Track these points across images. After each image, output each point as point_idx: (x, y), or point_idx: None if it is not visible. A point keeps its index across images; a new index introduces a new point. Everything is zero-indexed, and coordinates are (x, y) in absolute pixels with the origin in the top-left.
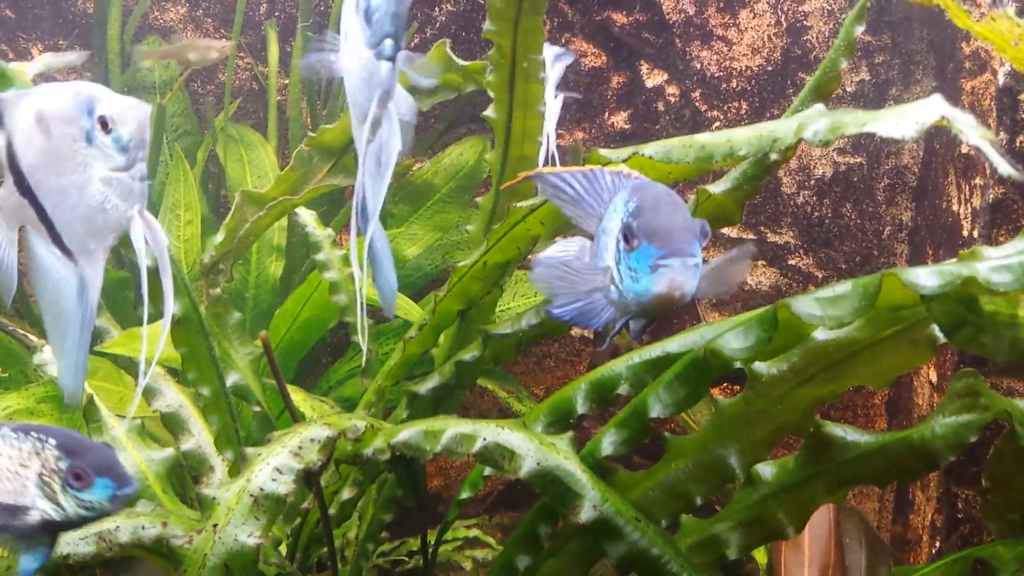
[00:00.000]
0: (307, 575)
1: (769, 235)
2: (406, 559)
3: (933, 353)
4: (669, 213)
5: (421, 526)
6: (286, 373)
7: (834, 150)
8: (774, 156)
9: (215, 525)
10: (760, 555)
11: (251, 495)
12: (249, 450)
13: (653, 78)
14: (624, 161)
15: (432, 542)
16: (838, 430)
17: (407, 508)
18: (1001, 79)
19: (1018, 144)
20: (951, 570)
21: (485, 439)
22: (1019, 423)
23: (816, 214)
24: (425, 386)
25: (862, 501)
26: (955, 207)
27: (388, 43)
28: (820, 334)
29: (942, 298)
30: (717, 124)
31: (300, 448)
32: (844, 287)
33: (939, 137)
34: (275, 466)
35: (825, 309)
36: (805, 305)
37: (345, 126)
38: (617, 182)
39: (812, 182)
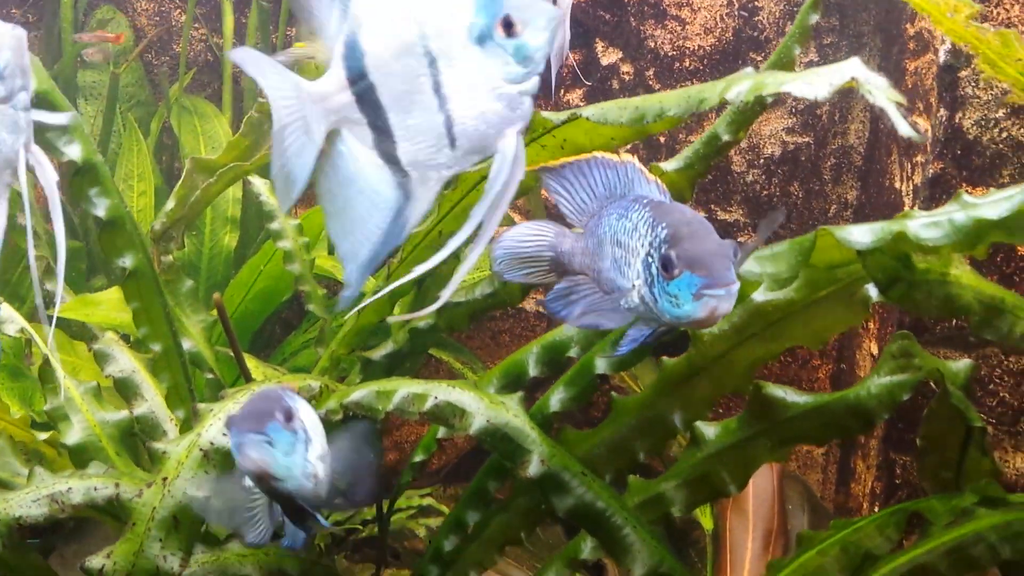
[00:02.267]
0: None
1: (719, 213)
2: (360, 527)
3: (867, 312)
4: (705, 239)
5: (378, 491)
6: (241, 344)
7: (783, 129)
8: (725, 137)
9: (164, 479)
10: (706, 521)
11: (201, 449)
12: (201, 406)
13: (608, 56)
14: (565, 123)
15: (387, 510)
16: (778, 391)
17: None
18: (942, 57)
19: (957, 121)
20: (888, 521)
21: (436, 398)
22: (951, 382)
23: (765, 192)
24: (379, 353)
25: (806, 472)
26: (898, 184)
27: (536, 79)
28: (759, 295)
29: (877, 254)
30: None
31: None
32: (781, 246)
33: (885, 117)
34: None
35: (764, 266)
36: (745, 264)
37: None
38: (617, 180)
39: (761, 161)
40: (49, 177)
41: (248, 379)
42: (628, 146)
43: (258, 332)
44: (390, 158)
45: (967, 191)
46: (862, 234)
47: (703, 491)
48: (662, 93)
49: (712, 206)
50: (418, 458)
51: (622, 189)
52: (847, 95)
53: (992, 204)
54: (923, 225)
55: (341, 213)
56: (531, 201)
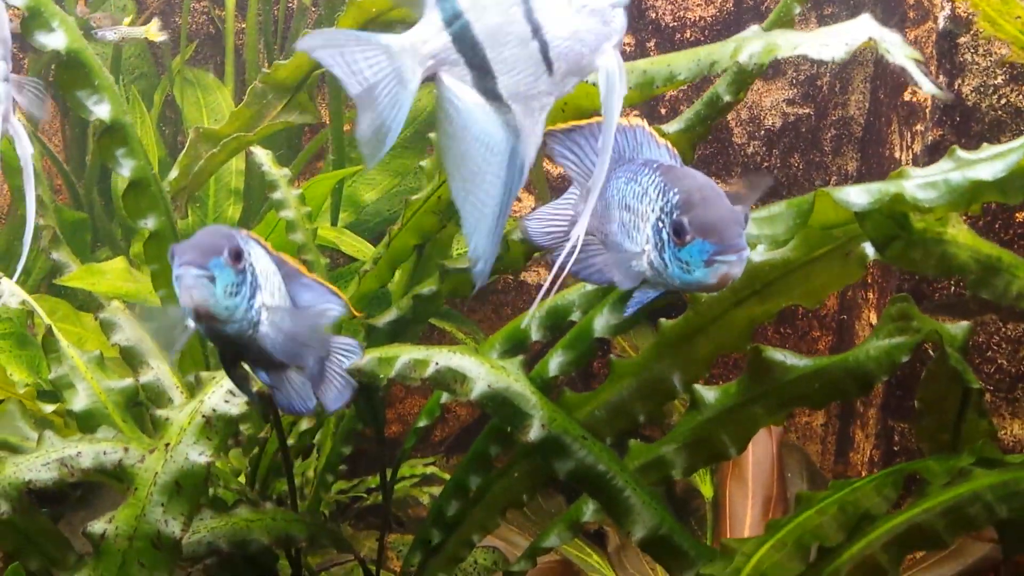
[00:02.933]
0: (267, 501)
1: (720, 186)
2: (365, 495)
3: (863, 270)
4: (717, 206)
5: (379, 459)
6: None
7: (783, 100)
8: (726, 98)
9: (167, 444)
10: (706, 489)
11: (203, 415)
12: (204, 374)
13: None
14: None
15: (391, 478)
16: (778, 354)
17: (365, 449)
18: (941, 23)
19: (956, 87)
20: (885, 481)
21: (438, 363)
22: (949, 344)
23: (765, 164)
24: (383, 320)
25: (805, 444)
26: (897, 154)
27: None
28: (757, 255)
29: (875, 214)
30: None
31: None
32: (779, 207)
33: (884, 87)
34: (228, 388)
35: (762, 228)
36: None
37: (300, 62)
38: (625, 144)
39: (762, 132)
40: (25, 149)
41: None
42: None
43: None
44: (492, 95)
45: (939, 141)
46: (859, 195)
47: (703, 454)
48: (670, 55)
49: (713, 178)
50: (422, 423)
51: (631, 153)
52: (848, 65)
53: (987, 163)
54: (919, 186)
55: (461, 166)
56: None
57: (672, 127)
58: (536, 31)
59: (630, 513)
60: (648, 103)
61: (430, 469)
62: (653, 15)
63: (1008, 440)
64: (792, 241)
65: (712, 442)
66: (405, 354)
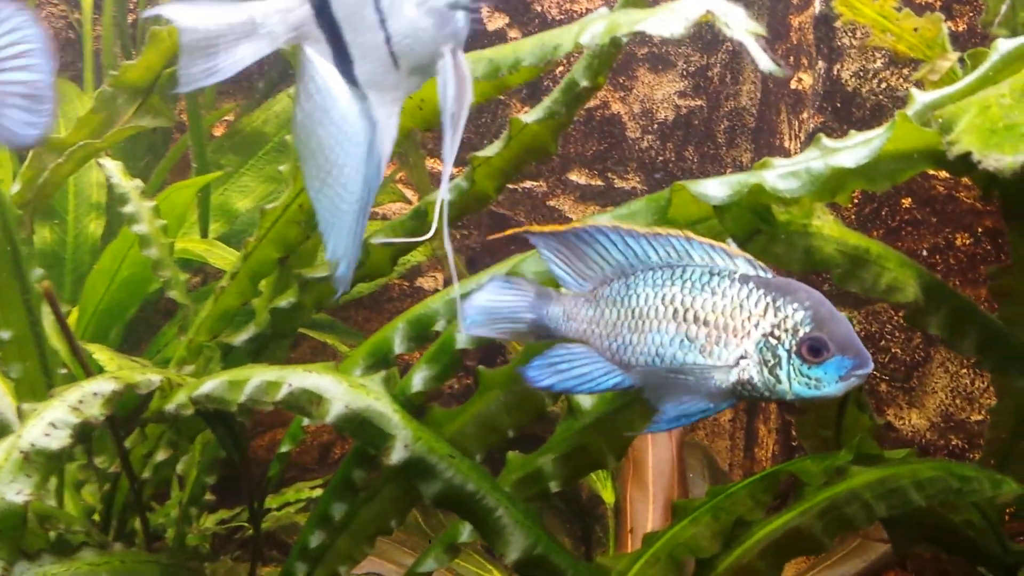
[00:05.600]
0: (119, 542)
1: (616, 181)
2: (246, 525)
3: None
4: (841, 318)
5: (246, 487)
6: (109, 337)
7: (675, 93)
8: (583, 83)
9: None
10: (608, 495)
11: (21, 451)
12: (25, 406)
13: (494, 22)
14: None
15: (274, 505)
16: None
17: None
18: (817, 6)
19: (836, 72)
20: (759, 486)
21: (291, 385)
22: None
23: (660, 158)
24: (240, 337)
25: (714, 440)
26: (787, 144)
27: None
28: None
29: (734, 208)
30: (560, 68)
31: (81, 402)
32: (639, 203)
33: (773, 77)
34: (50, 420)
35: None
36: (602, 223)
37: (150, 63)
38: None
39: (655, 126)
40: None
41: (86, 369)
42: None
43: (133, 321)
44: (352, 80)
45: (826, 135)
46: (718, 188)
47: (581, 463)
48: (516, 42)
49: (609, 174)
50: (284, 449)
51: (667, 261)
52: (738, 55)
53: (850, 151)
54: (781, 176)
55: (317, 153)
56: (411, 156)
57: (531, 116)
58: (382, 22)
59: (503, 534)
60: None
61: (316, 492)
62: (539, 8)
63: (907, 431)
64: None
65: (590, 451)
66: (256, 376)
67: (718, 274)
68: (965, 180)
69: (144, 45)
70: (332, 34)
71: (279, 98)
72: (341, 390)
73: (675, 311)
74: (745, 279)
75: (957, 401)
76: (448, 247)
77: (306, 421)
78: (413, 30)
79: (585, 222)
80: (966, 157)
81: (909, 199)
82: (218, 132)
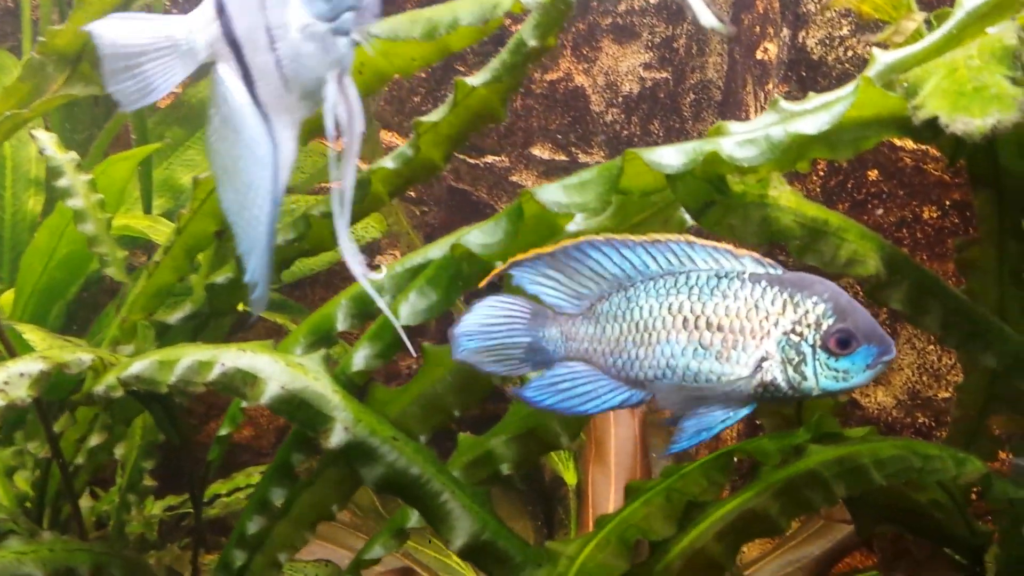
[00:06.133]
0: (52, 530)
1: (581, 156)
2: (192, 511)
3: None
4: (859, 306)
5: (188, 472)
6: (49, 318)
7: (640, 65)
8: (531, 43)
9: None
10: (570, 477)
11: None
12: None
13: None
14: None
15: (223, 491)
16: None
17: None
18: None
19: (801, 40)
20: (713, 465)
21: (224, 365)
22: None
23: (625, 132)
24: (176, 315)
25: None
26: (752, 116)
27: (349, 16)
28: (572, 226)
29: (687, 177)
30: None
31: (6, 383)
32: (590, 173)
33: (739, 46)
34: None
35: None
36: (551, 193)
37: (79, 28)
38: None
39: (620, 99)
40: None
41: (10, 350)
42: None
43: (78, 303)
44: (257, 100)
45: (784, 98)
46: (672, 156)
47: (534, 445)
48: (455, 1)
49: (573, 148)
50: (224, 432)
51: (669, 268)
52: (704, 28)
53: (811, 116)
54: (738, 143)
55: (233, 176)
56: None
57: (478, 79)
58: (272, 43)
59: (448, 519)
60: None
61: None
62: None
63: (873, 408)
64: (609, 209)
65: (542, 432)
66: (188, 355)
67: (726, 276)
68: (933, 152)
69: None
70: (237, 54)
71: None
72: (277, 370)
73: (684, 319)
74: (756, 278)
75: (924, 378)
76: (352, 258)
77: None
78: (298, 54)
79: (576, 238)
80: (933, 122)
81: (876, 171)
82: (164, 104)
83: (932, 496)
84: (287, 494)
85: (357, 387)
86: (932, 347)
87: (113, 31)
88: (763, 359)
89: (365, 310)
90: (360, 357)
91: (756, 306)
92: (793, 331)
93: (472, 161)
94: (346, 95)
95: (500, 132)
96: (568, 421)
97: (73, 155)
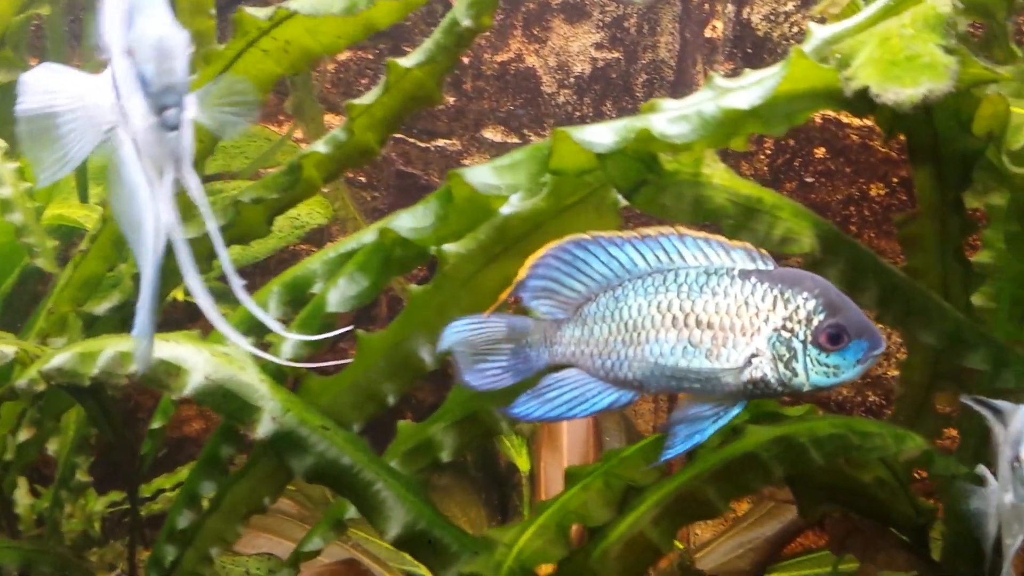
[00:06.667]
0: None
1: (533, 138)
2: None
3: (618, 218)
4: (849, 300)
5: (125, 467)
6: None
7: (591, 45)
8: (465, 23)
9: None
10: (522, 463)
11: None
12: None
13: None
14: (279, 22)
15: (167, 485)
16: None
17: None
18: None
19: (746, 16)
20: (653, 448)
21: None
22: None
23: (578, 114)
24: (103, 306)
25: (638, 403)
26: None
27: (172, 112)
28: (506, 208)
29: (618, 156)
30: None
31: None
32: (521, 153)
33: (690, 24)
34: None
35: (503, 177)
36: (481, 175)
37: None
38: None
39: (572, 80)
40: None
41: None
42: None
43: (13, 295)
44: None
45: (729, 76)
46: (602, 134)
47: (474, 431)
48: None
49: (525, 131)
50: (156, 425)
51: (659, 264)
52: (655, 5)
53: (744, 91)
54: (670, 120)
55: (132, 236)
56: (307, 108)
57: (411, 60)
58: (126, 121)
59: (381, 509)
60: None
61: None
62: None
63: None
64: (544, 190)
65: (482, 417)
66: (110, 347)
67: (715, 273)
68: (880, 129)
69: None
70: (125, 124)
71: None
72: (201, 360)
73: (674, 318)
74: (745, 274)
75: None
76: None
77: None
78: (144, 141)
79: (561, 240)
80: (865, 93)
81: (823, 149)
82: None
83: (875, 475)
84: (218, 488)
85: (287, 376)
86: (881, 326)
87: (34, 92)
88: (753, 356)
89: (298, 297)
90: (289, 346)
91: (746, 303)
92: (784, 327)
93: (423, 145)
94: (187, 185)
95: (451, 115)
96: (506, 404)
97: (1, 143)
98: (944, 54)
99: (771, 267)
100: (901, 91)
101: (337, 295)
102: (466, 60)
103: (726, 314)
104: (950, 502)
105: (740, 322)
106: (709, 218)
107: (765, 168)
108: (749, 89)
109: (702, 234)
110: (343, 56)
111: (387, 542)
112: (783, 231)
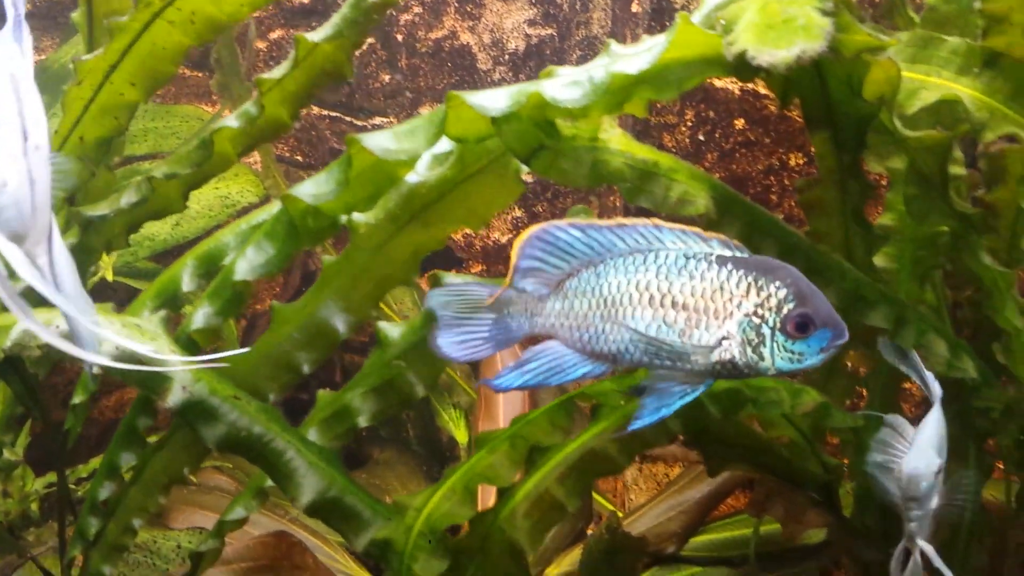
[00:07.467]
0: None
1: None
2: (74, 487)
3: (521, 186)
4: (818, 291)
5: (56, 445)
6: None
7: (525, 21)
8: None
9: None
10: (460, 435)
11: None
12: None
13: None
14: None
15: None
16: (456, 279)
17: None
18: None
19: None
20: (558, 411)
21: (59, 328)
22: None
23: None
24: (21, 283)
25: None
26: None
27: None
28: (413, 176)
29: (513, 121)
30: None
31: None
32: (420, 119)
33: (619, 0)
34: None
35: (400, 142)
36: (380, 140)
37: None
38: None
39: (506, 57)
40: None
41: None
42: None
43: None
44: None
45: (617, 42)
46: (495, 99)
47: (391, 397)
48: None
49: None
50: (77, 400)
51: (638, 247)
52: None
53: (634, 57)
54: (563, 85)
55: None
56: (225, 63)
57: (319, 35)
58: None
59: (293, 477)
60: None
61: None
62: None
63: None
64: (451, 158)
65: (399, 383)
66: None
67: (694, 257)
68: (774, 95)
69: None
70: None
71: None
72: (111, 332)
73: (651, 297)
74: (723, 260)
75: None
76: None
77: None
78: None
79: (543, 224)
80: (743, 56)
81: (742, 120)
82: None
83: (782, 433)
84: (137, 459)
85: (200, 347)
86: None
87: None
88: (724, 338)
89: (212, 269)
90: (200, 316)
91: (721, 288)
92: (755, 313)
93: (359, 123)
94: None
95: (387, 92)
96: (423, 372)
97: None
98: (820, 16)
99: (746, 255)
100: (776, 52)
101: (245, 264)
102: (400, 37)
103: (701, 297)
104: (854, 457)
105: (714, 306)
106: (607, 181)
107: (687, 140)
108: (639, 55)
109: (678, 226)
110: (274, 35)
111: (299, 509)
112: (679, 193)
